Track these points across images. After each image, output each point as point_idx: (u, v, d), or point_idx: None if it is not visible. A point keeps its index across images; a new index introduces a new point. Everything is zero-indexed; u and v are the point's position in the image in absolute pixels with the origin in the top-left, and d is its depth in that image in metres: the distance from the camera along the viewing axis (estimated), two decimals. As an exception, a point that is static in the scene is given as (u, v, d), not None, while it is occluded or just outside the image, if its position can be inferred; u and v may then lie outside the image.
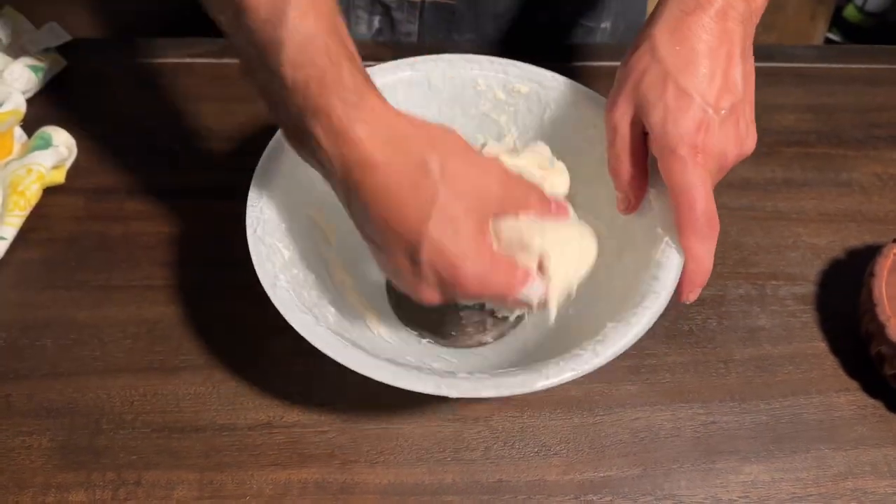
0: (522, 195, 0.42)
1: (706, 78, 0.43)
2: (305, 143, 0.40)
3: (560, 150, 0.52)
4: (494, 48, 0.68)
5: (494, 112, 0.55)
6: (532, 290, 0.40)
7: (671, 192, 0.43)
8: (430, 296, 0.40)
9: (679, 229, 0.44)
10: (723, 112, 0.43)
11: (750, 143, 0.45)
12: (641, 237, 0.47)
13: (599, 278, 0.50)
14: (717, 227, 0.43)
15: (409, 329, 0.52)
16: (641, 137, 0.45)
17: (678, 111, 0.42)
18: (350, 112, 0.38)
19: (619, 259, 0.49)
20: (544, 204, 0.42)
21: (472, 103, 0.55)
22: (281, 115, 0.40)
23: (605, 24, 0.79)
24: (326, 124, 0.38)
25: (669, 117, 0.42)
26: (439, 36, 0.76)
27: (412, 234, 0.38)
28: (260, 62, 0.39)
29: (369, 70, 0.49)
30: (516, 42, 0.76)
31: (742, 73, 0.44)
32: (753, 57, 0.45)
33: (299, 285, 0.46)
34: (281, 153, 0.49)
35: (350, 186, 0.39)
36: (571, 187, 0.49)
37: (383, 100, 0.39)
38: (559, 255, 0.41)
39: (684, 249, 0.44)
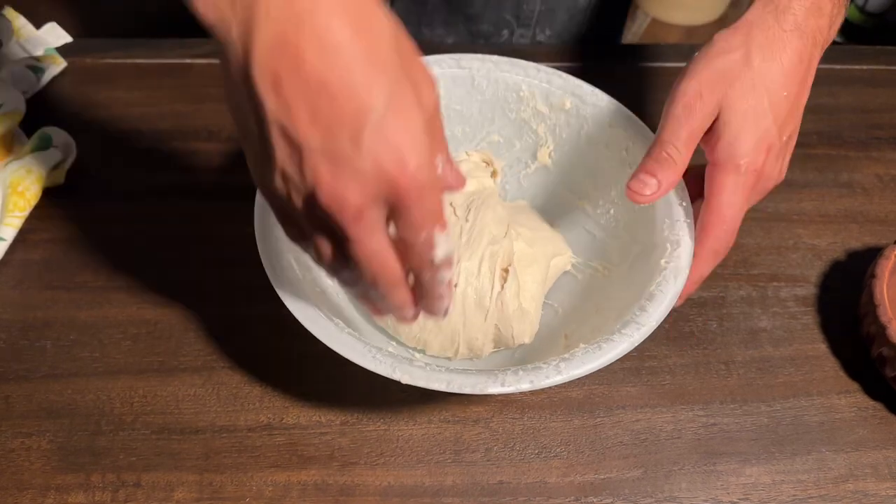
0: (440, 131, 0.33)
1: (785, 101, 0.44)
2: None
3: (593, 169, 0.52)
4: (465, 47, 0.68)
5: (534, 120, 0.55)
6: (444, 239, 0.34)
7: (709, 199, 0.44)
8: (354, 194, 0.30)
9: (699, 237, 0.45)
10: (784, 139, 0.44)
11: (783, 174, 0.46)
12: (645, 265, 0.47)
13: (599, 296, 0.50)
14: (731, 243, 0.45)
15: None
16: (702, 134, 0.45)
17: (754, 127, 0.43)
18: None
19: (621, 281, 0.49)
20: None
21: (513, 108, 0.55)
22: None
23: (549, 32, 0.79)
24: None
25: (744, 132, 0.43)
26: (409, 28, 0.75)
27: (360, 106, 0.29)
28: None
29: None
30: (514, 49, 0.76)
31: (805, 100, 0.45)
32: None
33: (295, 252, 0.46)
34: None
35: (281, 27, 0.29)
36: (598, 203, 0.52)
37: None
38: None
39: (695, 257, 0.45)
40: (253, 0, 0.29)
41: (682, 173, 0.45)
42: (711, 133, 0.45)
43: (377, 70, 0.29)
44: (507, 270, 0.49)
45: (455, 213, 0.51)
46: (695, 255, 0.45)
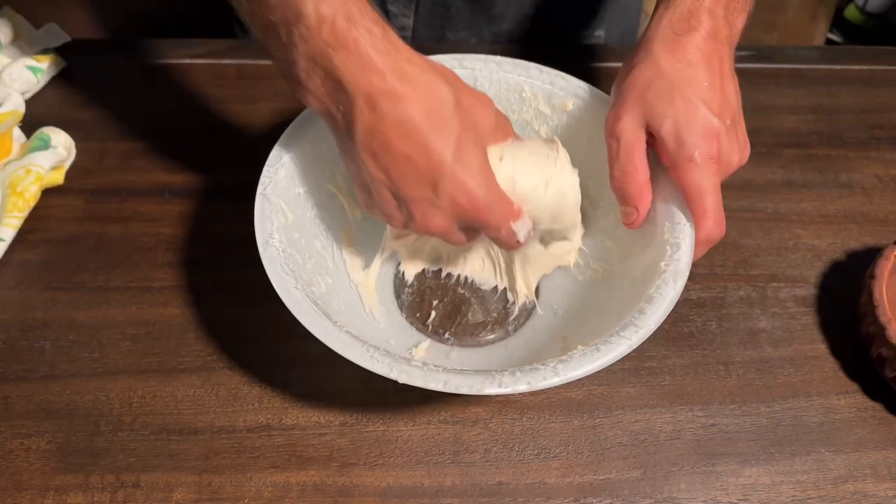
0: (507, 123, 0.46)
1: (708, 90, 0.45)
2: (324, 74, 0.40)
3: (594, 172, 0.52)
4: (488, 48, 0.68)
5: (536, 122, 0.55)
6: (521, 225, 0.44)
7: (686, 198, 0.46)
8: (437, 222, 0.42)
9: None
10: (728, 122, 0.45)
11: (747, 152, 0.47)
12: (645, 267, 0.47)
13: (598, 299, 0.50)
14: (723, 232, 0.46)
15: (402, 314, 0.53)
16: (644, 149, 0.46)
17: (690, 121, 0.44)
18: (377, 43, 0.39)
19: (620, 283, 0.49)
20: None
21: (515, 109, 0.55)
22: (295, 55, 0.40)
23: (599, 33, 0.79)
24: (354, 55, 0.39)
25: (682, 127, 0.44)
26: (434, 32, 0.76)
27: (435, 166, 0.40)
28: (280, 5, 0.39)
29: None
30: (512, 46, 0.76)
31: (734, 88, 0.46)
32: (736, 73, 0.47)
33: (298, 249, 0.47)
34: (308, 125, 0.50)
35: (371, 120, 0.39)
36: (599, 205, 0.53)
37: (397, 35, 0.41)
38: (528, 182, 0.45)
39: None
40: (350, 104, 0.40)
41: (645, 188, 0.46)
42: (656, 142, 0.46)
43: (443, 135, 0.40)
44: None
45: None
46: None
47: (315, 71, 0.40)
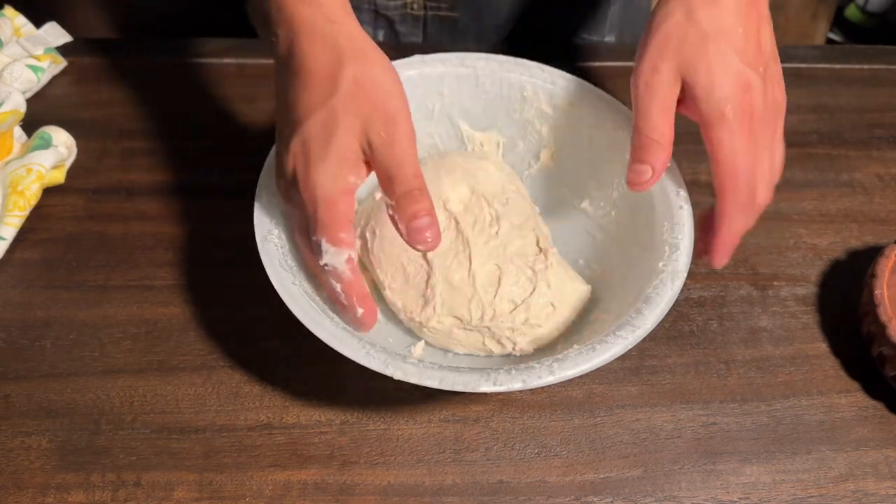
0: (394, 176, 0.40)
1: (743, 37, 0.43)
2: (264, 15, 0.44)
3: (595, 172, 0.52)
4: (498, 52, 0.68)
5: (538, 121, 0.55)
6: (336, 256, 0.41)
7: (713, 159, 0.44)
8: (283, 167, 0.42)
9: (718, 196, 0.44)
10: (762, 70, 0.44)
11: (782, 100, 0.46)
12: (644, 267, 0.47)
13: (599, 296, 0.50)
14: (765, 199, 0.45)
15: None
16: (675, 105, 0.45)
17: (723, 74, 0.43)
18: (317, 11, 0.42)
19: (619, 283, 0.49)
20: (413, 214, 0.40)
21: (516, 108, 0.55)
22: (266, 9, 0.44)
23: (610, 38, 0.78)
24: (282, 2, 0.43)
25: (716, 80, 0.43)
26: (444, 49, 0.76)
27: (298, 118, 0.40)
28: None
29: (416, 58, 0.53)
30: (520, 50, 0.76)
31: (769, 32, 0.45)
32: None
33: (296, 245, 0.47)
34: None
35: (284, 48, 0.42)
36: (599, 205, 0.53)
37: (349, 11, 0.43)
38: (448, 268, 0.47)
39: (721, 216, 0.44)
40: (276, 34, 0.43)
41: (669, 149, 0.44)
42: (687, 98, 0.45)
43: (321, 94, 0.40)
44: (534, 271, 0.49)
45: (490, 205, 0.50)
46: (721, 214, 0.44)
47: (256, 13, 0.46)
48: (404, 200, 0.40)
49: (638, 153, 0.45)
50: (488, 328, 0.47)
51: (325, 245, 0.41)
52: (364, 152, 0.41)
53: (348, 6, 0.43)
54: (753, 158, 0.44)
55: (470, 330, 0.48)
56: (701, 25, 0.43)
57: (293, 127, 0.41)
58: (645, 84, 0.45)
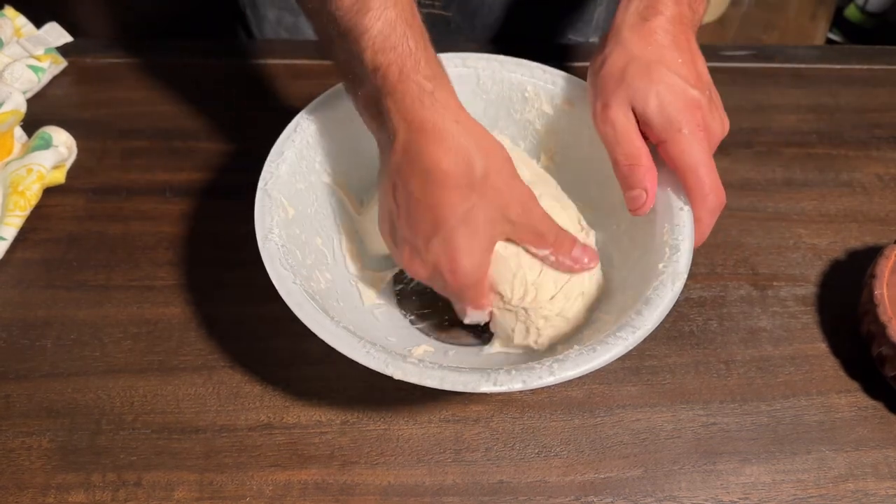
0: (544, 232, 0.45)
1: (683, 66, 0.46)
2: (377, 111, 0.44)
3: (595, 172, 0.52)
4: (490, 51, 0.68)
5: (539, 122, 0.55)
6: (478, 316, 0.47)
7: (679, 172, 0.46)
8: (416, 270, 0.45)
9: (691, 203, 0.47)
10: (707, 94, 0.47)
11: (727, 124, 0.48)
12: (644, 269, 0.47)
13: (603, 295, 0.50)
14: (724, 199, 0.47)
15: (402, 312, 0.53)
16: (638, 130, 0.47)
17: (672, 95, 0.45)
18: (424, 98, 0.42)
19: (619, 284, 0.49)
20: (570, 248, 0.46)
21: (517, 109, 0.55)
22: (358, 89, 0.45)
23: (595, 39, 0.79)
24: (400, 103, 0.42)
25: (666, 102, 0.45)
26: (437, 49, 0.76)
27: (438, 219, 0.42)
28: (342, 44, 0.43)
29: None
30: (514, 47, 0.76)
31: (704, 64, 0.48)
32: None
33: (298, 245, 0.47)
34: (309, 123, 0.51)
35: (403, 159, 0.42)
36: (600, 206, 0.52)
37: (453, 91, 0.43)
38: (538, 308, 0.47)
39: (695, 220, 0.47)
40: (389, 141, 0.43)
41: (652, 167, 0.46)
42: (642, 124, 0.47)
43: (458, 198, 0.41)
44: None
45: None
46: (695, 217, 0.47)
47: (367, 107, 0.44)
48: (558, 244, 0.46)
49: (626, 182, 0.47)
50: (525, 310, 0.47)
51: (469, 311, 0.47)
52: (503, 232, 0.45)
53: (456, 96, 0.44)
54: (711, 165, 0.46)
55: (509, 310, 0.48)
56: (640, 56, 0.46)
57: (433, 223, 0.42)
58: (603, 122, 0.47)
